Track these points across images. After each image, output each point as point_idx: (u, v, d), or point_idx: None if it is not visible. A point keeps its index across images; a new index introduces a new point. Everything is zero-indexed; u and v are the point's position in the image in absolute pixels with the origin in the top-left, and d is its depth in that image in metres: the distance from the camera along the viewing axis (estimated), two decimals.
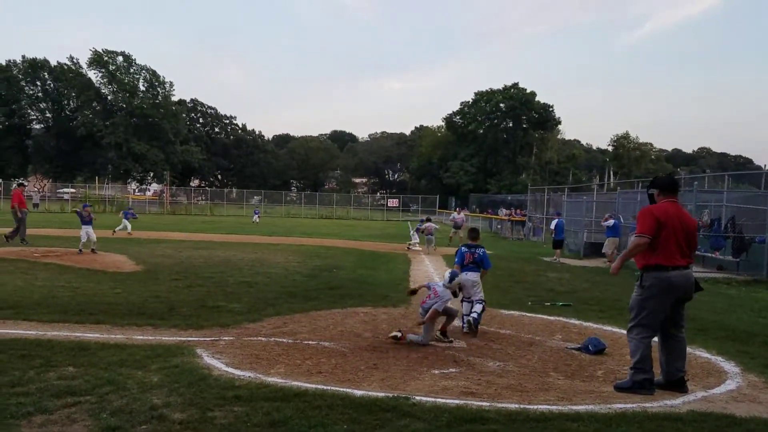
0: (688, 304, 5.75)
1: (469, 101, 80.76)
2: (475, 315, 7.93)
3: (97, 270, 12.68)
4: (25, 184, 29.31)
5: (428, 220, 22.97)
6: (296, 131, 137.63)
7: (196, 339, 6.87)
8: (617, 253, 19.00)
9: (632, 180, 37.57)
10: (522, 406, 4.92)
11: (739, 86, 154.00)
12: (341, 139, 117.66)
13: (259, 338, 7.08)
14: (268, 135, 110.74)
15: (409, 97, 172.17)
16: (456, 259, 8.57)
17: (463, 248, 8.64)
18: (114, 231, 23.23)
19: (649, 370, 5.47)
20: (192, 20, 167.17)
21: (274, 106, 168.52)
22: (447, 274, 7.66)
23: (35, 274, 11.67)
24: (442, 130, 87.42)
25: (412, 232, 22.57)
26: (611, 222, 18.90)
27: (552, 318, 9.27)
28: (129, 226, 24.07)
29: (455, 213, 28.40)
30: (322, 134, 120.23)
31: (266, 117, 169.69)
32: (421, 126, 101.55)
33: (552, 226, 20.27)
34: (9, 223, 19.47)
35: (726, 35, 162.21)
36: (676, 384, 5.52)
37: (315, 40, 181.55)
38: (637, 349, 5.52)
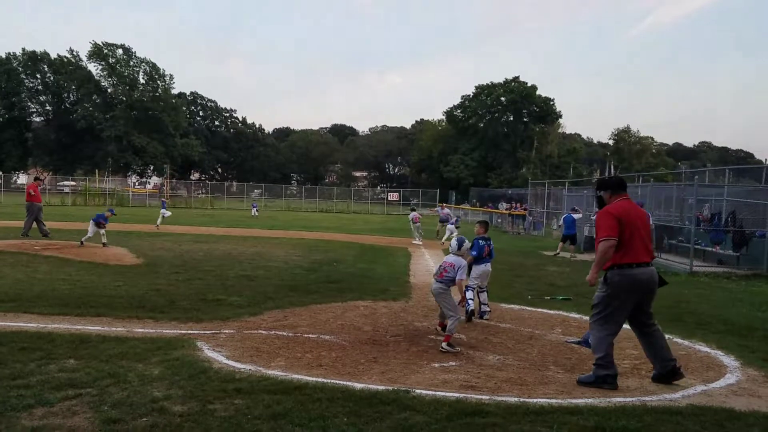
0: (686, 298, 5.78)
1: (469, 95, 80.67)
2: (486, 308, 8.52)
3: (98, 263, 12.68)
4: (42, 178, 29.11)
5: (413, 209, 24.85)
6: (296, 125, 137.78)
7: (197, 332, 6.88)
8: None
9: (633, 174, 37.52)
10: (522, 399, 4.94)
11: (740, 80, 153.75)
12: (341, 133, 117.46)
13: (260, 331, 7.10)
14: (269, 128, 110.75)
15: (409, 90, 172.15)
16: (474, 252, 8.58)
17: (480, 241, 8.74)
18: (157, 225, 23.74)
19: (612, 366, 5.47)
20: (193, 13, 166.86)
21: (274, 99, 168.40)
22: (454, 242, 7.45)
23: (36, 267, 11.68)
24: (443, 123, 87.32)
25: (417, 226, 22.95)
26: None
27: (552, 312, 9.29)
28: (166, 214, 24.83)
29: (439, 207, 28.71)
30: (322, 128, 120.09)
31: (266, 110, 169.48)
32: (422, 120, 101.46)
33: (560, 222, 20.06)
34: (10, 216, 19.47)
35: (727, 29, 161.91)
36: (672, 374, 5.55)
37: (316, 33, 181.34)
38: (599, 344, 5.55)
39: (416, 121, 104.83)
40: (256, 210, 40.59)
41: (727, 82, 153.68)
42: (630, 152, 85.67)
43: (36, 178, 21.56)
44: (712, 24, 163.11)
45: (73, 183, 58.96)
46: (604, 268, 5.60)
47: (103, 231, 15.87)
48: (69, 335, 6.39)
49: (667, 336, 7.61)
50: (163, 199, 27.63)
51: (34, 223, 17.74)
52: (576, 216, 19.76)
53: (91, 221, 15.92)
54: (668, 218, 20.06)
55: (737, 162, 79.35)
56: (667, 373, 5.55)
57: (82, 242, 15.50)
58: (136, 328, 7.03)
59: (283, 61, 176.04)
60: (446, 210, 27.39)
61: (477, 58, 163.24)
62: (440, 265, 7.26)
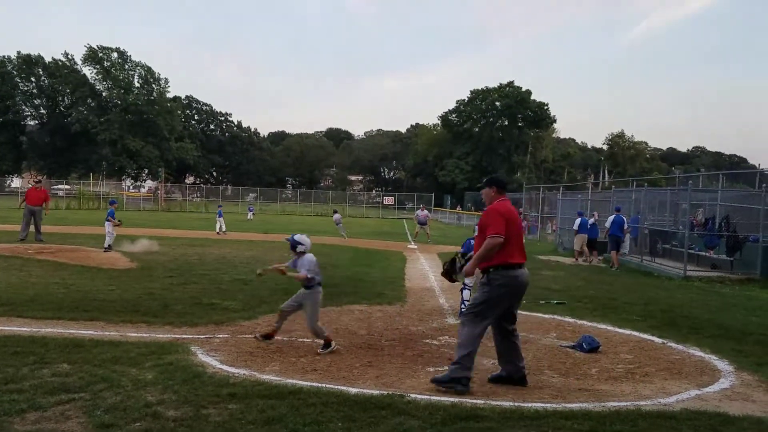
0: (680, 303, 5.78)
1: (464, 99, 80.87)
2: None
3: (92, 267, 12.63)
4: (40, 180, 29.10)
5: (335, 212, 29.13)
6: (292, 129, 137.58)
7: (191, 336, 6.86)
8: (584, 249, 19.86)
9: (627, 179, 37.64)
10: (516, 403, 4.94)
11: (734, 86, 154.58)
12: (337, 137, 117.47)
13: (254, 336, 7.07)
14: (264, 132, 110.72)
15: (405, 95, 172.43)
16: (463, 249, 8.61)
17: (471, 240, 8.67)
18: (218, 232, 24.58)
19: (470, 368, 5.34)
20: (188, 17, 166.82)
21: (269, 103, 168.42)
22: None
23: (29, 270, 11.62)
24: (438, 128, 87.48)
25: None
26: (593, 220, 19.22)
27: (546, 316, 9.29)
28: (223, 226, 25.36)
29: (419, 211, 28.98)
30: (317, 132, 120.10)
31: (262, 114, 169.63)
32: (417, 124, 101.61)
33: (575, 226, 19.65)
34: (3, 219, 19.39)
35: (721, 35, 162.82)
36: (519, 380, 5.48)
37: (311, 37, 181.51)
38: (467, 344, 5.38)
39: (411, 126, 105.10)
40: (252, 214, 40.53)
41: (720, 87, 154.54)
42: (624, 157, 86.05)
43: (37, 182, 21.62)
44: (706, 29, 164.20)
45: (67, 187, 58.76)
46: (480, 268, 5.53)
47: (111, 231, 15.92)
48: (62, 339, 6.35)
49: (660, 340, 7.69)
50: (219, 207, 28.06)
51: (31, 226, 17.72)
52: (590, 220, 19.58)
53: (106, 223, 16.02)
54: (662, 223, 20.11)
55: (731, 167, 79.70)
56: (517, 378, 5.46)
57: (108, 247, 15.65)
58: (130, 332, 7.00)
59: (278, 66, 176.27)
60: (425, 212, 27.82)
61: (472, 63, 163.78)
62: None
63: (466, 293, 8.42)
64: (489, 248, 5.35)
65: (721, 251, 17.10)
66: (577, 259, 19.44)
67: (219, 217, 26.00)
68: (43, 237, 17.47)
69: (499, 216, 5.43)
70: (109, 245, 15.74)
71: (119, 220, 16.53)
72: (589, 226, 19.40)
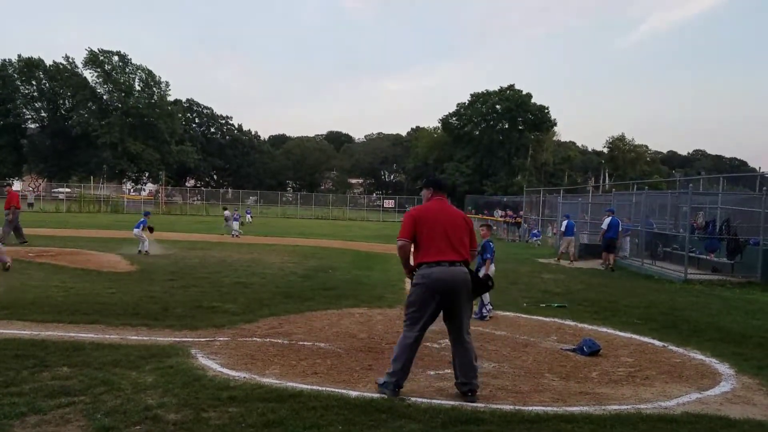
0: (681, 306, 5.75)
1: (465, 102, 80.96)
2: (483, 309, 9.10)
3: (92, 270, 12.64)
4: (9, 184, 29.28)
5: (225, 209, 30.89)
6: (292, 132, 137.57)
7: (191, 339, 6.85)
8: (572, 250, 20.13)
9: (628, 182, 37.64)
10: (517, 407, 4.93)
11: (734, 88, 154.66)
12: (337, 140, 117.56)
13: (254, 339, 7.07)
14: (264, 135, 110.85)
15: (405, 98, 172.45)
16: (488, 254, 9.40)
17: (491, 244, 9.59)
18: (234, 235, 25.05)
19: (397, 373, 5.17)
20: (189, 21, 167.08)
21: (270, 106, 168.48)
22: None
23: (29, 274, 11.63)
24: (438, 131, 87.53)
25: None
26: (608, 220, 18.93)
27: (547, 319, 9.28)
28: (237, 227, 26.01)
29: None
30: (318, 135, 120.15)
31: (262, 117, 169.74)
32: (418, 127, 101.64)
33: (604, 226, 18.73)
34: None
35: (720, 38, 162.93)
36: (464, 394, 5.21)
37: (312, 40, 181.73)
38: (396, 349, 5.31)
39: (412, 129, 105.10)
40: (251, 216, 40.53)
41: (721, 90, 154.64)
42: (624, 160, 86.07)
43: (7, 184, 21.70)
44: (706, 32, 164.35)
45: (67, 190, 58.78)
46: (407, 271, 5.50)
47: (140, 234, 16.42)
48: (62, 343, 6.35)
49: (662, 344, 7.68)
50: (236, 213, 28.68)
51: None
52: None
53: (136, 229, 16.60)
54: (663, 226, 20.10)
55: (731, 170, 79.70)
56: (464, 392, 5.23)
57: (145, 252, 16.03)
58: (130, 335, 7.00)
59: (279, 69, 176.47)
60: None
61: (472, 66, 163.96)
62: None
63: (486, 296, 8.89)
64: (397, 252, 5.47)
65: (721, 254, 17.08)
66: (558, 260, 19.51)
67: (235, 220, 26.74)
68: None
69: (406, 220, 5.44)
70: (145, 250, 16.19)
71: (150, 227, 17.10)
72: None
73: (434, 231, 5.31)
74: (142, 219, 17.04)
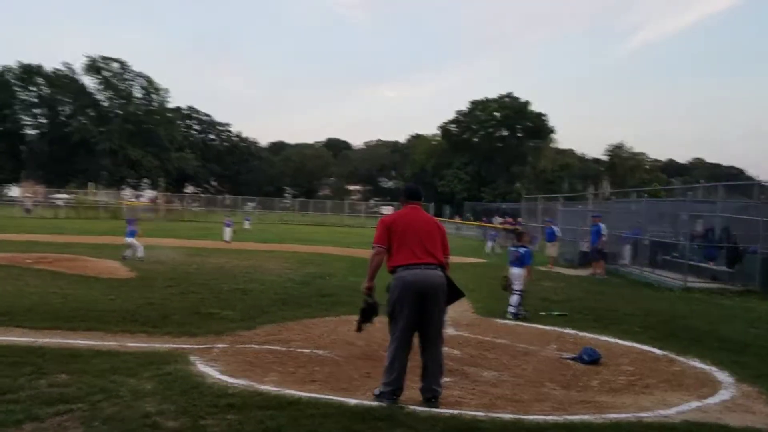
0: (681, 314, 5.74)
1: (464, 110, 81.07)
2: (511, 309, 9.90)
3: (90, 276, 12.60)
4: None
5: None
6: (291, 138, 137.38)
7: (190, 346, 6.83)
8: (553, 254, 20.38)
9: (627, 190, 37.67)
10: (517, 416, 4.91)
11: (732, 97, 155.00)
12: (336, 147, 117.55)
13: (253, 346, 7.05)
14: (264, 142, 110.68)
15: (404, 105, 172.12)
16: (528, 261, 10.27)
17: (521, 249, 10.33)
18: (226, 241, 25.33)
19: (392, 382, 5.19)
20: (189, 28, 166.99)
21: (269, 113, 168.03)
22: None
23: (27, 280, 11.59)
24: (437, 138, 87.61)
25: None
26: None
27: (547, 327, 9.27)
28: (229, 234, 26.27)
29: None
30: (317, 141, 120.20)
31: (262, 124, 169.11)
32: (416, 134, 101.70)
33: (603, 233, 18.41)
34: (5, 229, 19.36)
35: (719, 46, 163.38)
36: (426, 401, 5.21)
37: (312, 48, 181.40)
38: (388, 356, 5.32)
39: (410, 136, 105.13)
40: (249, 223, 40.49)
41: (720, 99, 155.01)
42: (624, 168, 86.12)
43: None
44: (705, 39, 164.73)
45: (66, 196, 58.66)
46: (369, 283, 5.51)
47: (131, 241, 16.52)
48: (60, 349, 6.33)
49: (662, 352, 7.67)
50: (228, 219, 28.90)
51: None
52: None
53: (130, 237, 16.63)
54: (662, 234, 20.10)
55: (729, 178, 79.71)
56: (425, 399, 5.23)
57: (139, 258, 16.06)
58: (129, 342, 6.97)
59: (278, 76, 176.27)
60: None
61: (471, 73, 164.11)
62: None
63: (514, 298, 9.91)
64: (370, 260, 5.47)
65: (720, 263, 17.07)
66: (551, 267, 19.53)
67: (228, 226, 26.96)
68: None
69: (380, 227, 5.51)
70: (139, 256, 16.28)
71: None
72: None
73: (408, 236, 5.37)
74: (132, 228, 16.97)
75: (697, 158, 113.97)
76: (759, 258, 15.15)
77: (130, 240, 16.60)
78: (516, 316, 9.78)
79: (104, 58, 76.51)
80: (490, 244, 28.04)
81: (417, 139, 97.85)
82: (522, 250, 10.34)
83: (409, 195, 5.77)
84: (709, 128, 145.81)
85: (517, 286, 10.01)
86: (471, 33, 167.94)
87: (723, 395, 5.81)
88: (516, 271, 10.19)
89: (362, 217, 62.29)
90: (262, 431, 4.23)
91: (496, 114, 77.73)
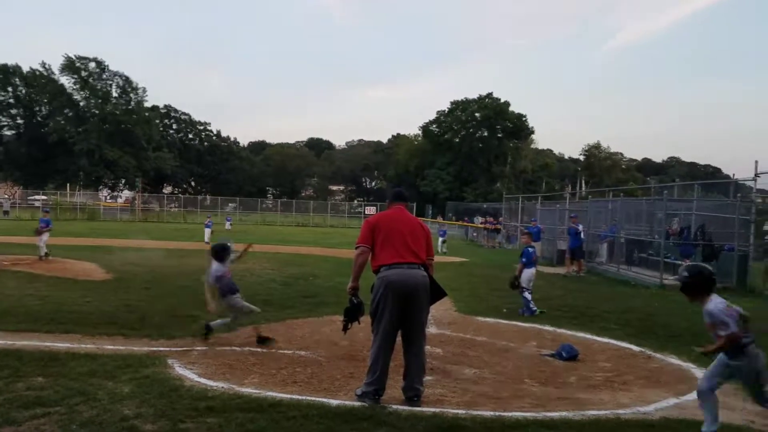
0: (658, 311, 5.80)
1: (445, 110, 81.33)
2: (532, 306, 10.28)
3: (67, 278, 12.44)
4: None
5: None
6: (272, 138, 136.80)
7: (168, 349, 6.78)
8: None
9: (604, 189, 38.09)
10: (497, 413, 4.95)
11: (707, 97, 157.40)
12: (318, 147, 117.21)
13: (233, 348, 7.01)
14: (244, 142, 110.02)
15: (386, 105, 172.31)
16: (524, 259, 10.60)
17: (530, 249, 10.80)
18: (207, 242, 25.07)
19: (375, 382, 5.22)
20: (166, 26, 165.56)
21: (249, 112, 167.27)
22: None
23: (4, 282, 11.42)
24: (419, 138, 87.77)
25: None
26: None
27: (527, 325, 9.34)
28: (208, 235, 26.18)
29: None
30: (298, 141, 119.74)
31: (242, 124, 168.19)
32: (398, 134, 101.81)
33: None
34: None
35: (695, 49, 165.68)
36: (408, 400, 5.25)
37: (292, 47, 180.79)
38: (371, 356, 5.35)
39: (393, 136, 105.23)
40: (230, 224, 40.24)
41: (695, 99, 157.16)
42: (600, 168, 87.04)
43: None
44: (680, 42, 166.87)
45: (44, 197, 57.83)
46: (353, 283, 5.54)
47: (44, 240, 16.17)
48: (37, 352, 6.24)
49: (639, 348, 7.76)
50: (209, 219, 28.55)
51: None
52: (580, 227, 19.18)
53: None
54: (638, 232, 20.35)
55: (705, 177, 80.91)
56: (407, 397, 5.27)
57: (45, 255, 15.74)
58: (106, 345, 6.90)
59: (258, 75, 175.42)
60: None
61: (452, 74, 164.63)
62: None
63: (527, 294, 10.30)
64: (354, 259, 5.48)
65: (696, 260, 17.29)
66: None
67: (207, 227, 26.98)
68: None
69: (364, 228, 5.57)
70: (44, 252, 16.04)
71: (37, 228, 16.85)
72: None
73: (391, 235, 5.40)
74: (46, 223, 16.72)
75: (673, 157, 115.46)
76: (735, 256, 15.39)
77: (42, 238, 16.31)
78: (533, 313, 10.17)
79: (81, 58, 75.50)
80: (441, 240, 26.87)
81: (399, 139, 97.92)
82: (531, 249, 10.94)
83: (395, 196, 5.86)
84: (686, 127, 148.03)
85: (525, 283, 10.49)
86: (454, 35, 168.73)
87: None
88: (533, 270, 10.72)
89: (346, 218, 62.16)
90: None
91: (477, 115, 78.08)
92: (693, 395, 5.74)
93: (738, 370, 4.48)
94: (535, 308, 10.26)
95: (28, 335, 7.14)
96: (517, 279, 10.51)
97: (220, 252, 7.53)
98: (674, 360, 7.24)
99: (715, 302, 4.47)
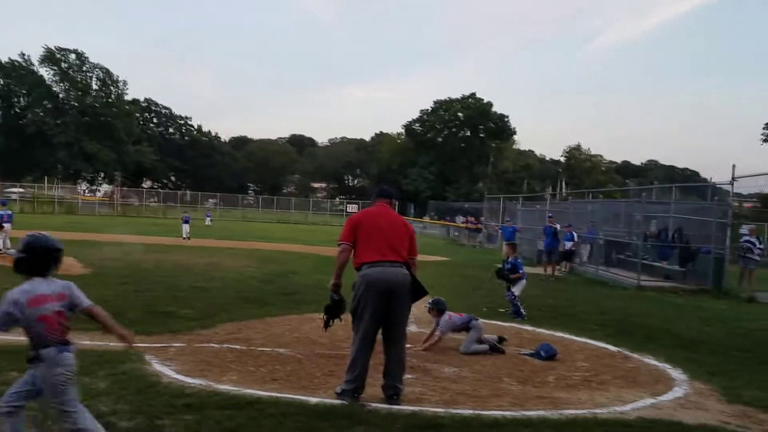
0: (635, 312, 5.85)
1: (428, 109, 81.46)
2: (523, 311, 10.27)
3: None
4: None
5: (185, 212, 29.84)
6: (254, 134, 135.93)
7: (145, 345, 6.69)
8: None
9: (583, 191, 38.44)
10: (476, 412, 4.96)
11: (687, 101, 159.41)
12: (300, 143, 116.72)
13: (212, 345, 6.95)
14: (225, 137, 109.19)
15: (369, 103, 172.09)
16: (521, 271, 10.65)
17: (519, 260, 11.09)
18: (187, 238, 25.16)
19: (354, 380, 5.20)
20: (148, 19, 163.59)
21: (231, 108, 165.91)
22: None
23: None
24: (402, 137, 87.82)
25: None
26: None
27: (506, 324, 9.39)
28: (186, 231, 25.88)
29: None
30: (280, 137, 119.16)
31: (223, 119, 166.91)
32: (381, 132, 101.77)
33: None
34: None
35: (674, 52, 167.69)
36: (387, 398, 5.23)
37: (276, 44, 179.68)
38: (351, 354, 5.35)
39: (375, 134, 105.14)
40: (210, 219, 39.96)
41: (674, 103, 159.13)
42: (581, 169, 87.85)
43: None
44: (660, 46, 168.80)
45: (21, 190, 56.89)
46: (336, 280, 5.52)
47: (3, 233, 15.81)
48: (12, 347, 6.12)
49: (616, 348, 7.83)
50: (186, 215, 28.01)
51: None
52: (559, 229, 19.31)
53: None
54: (616, 233, 20.57)
55: (684, 180, 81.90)
56: (386, 396, 5.26)
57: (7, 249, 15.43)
58: (83, 340, 6.78)
59: (241, 70, 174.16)
60: None
61: (436, 74, 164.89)
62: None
63: (517, 302, 10.22)
64: (336, 256, 5.47)
65: (674, 262, 17.54)
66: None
67: (185, 222, 26.50)
68: None
69: (346, 225, 5.54)
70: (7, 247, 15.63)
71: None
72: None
73: (374, 233, 5.37)
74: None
75: (652, 160, 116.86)
76: (712, 258, 15.61)
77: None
78: (522, 317, 10.09)
79: (61, 50, 74.41)
80: None
81: (382, 137, 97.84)
82: (520, 260, 11.27)
83: (380, 193, 5.81)
84: (665, 130, 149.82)
85: (518, 290, 10.48)
86: (438, 35, 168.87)
87: (677, 392, 5.96)
88: (524, 282, 10.73)
89: (327, 215, 62.00)
90: (220, 431, 4.17)
91: (460, 114, 78.32)
92: (669, 395, 5.82)
93: None
94: (524, 313, 10.19)
95: None
96: (507, 279, 10.55)
97: None
98: (651, 360, 7.32)
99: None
